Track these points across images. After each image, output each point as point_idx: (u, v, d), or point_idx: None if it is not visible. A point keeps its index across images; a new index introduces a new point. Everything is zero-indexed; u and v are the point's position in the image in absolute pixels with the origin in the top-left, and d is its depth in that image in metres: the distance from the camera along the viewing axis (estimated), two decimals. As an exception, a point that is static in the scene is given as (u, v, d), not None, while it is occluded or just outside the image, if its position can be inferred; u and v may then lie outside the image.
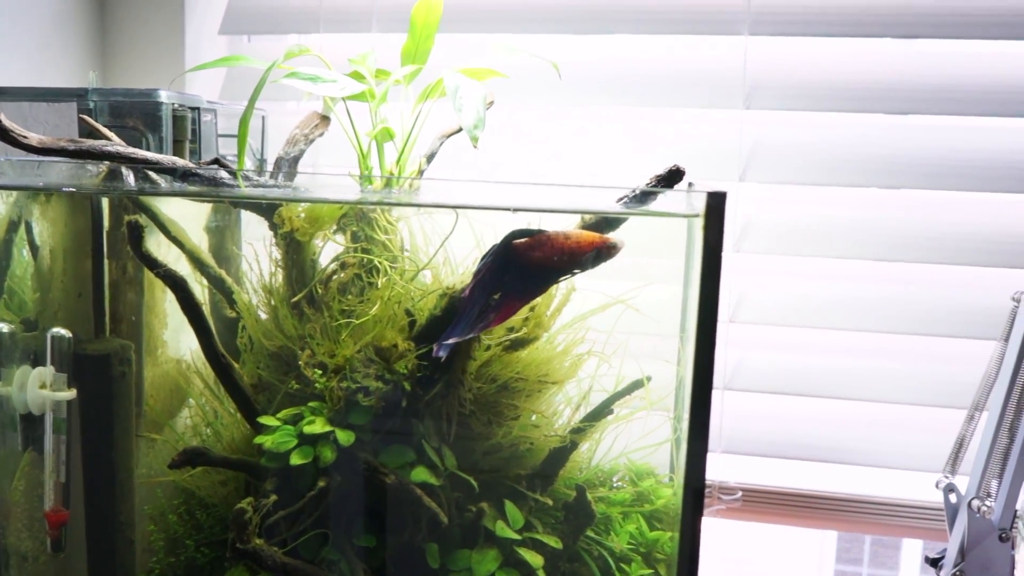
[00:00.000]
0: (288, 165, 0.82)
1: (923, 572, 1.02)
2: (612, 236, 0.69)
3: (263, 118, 0.98)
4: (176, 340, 0.82)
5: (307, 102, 1.12)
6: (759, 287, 1.13)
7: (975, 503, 0.90)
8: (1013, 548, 0.84)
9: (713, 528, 1.16)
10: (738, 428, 1.15)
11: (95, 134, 0.75)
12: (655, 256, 0.68)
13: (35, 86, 0.82)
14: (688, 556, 0.68)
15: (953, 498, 0.92)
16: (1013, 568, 0.86)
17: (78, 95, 0.79)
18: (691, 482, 0.67)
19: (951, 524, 0.92)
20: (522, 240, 0.68)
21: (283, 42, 1.27)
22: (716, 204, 0.59)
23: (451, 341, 0.69)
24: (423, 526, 0.71)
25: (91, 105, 0.79)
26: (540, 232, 0.69)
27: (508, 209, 0.70)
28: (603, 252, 0.68)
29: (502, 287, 0.69)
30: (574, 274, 0.70)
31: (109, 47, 1.21)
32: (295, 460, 0.68)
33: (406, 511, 0.70)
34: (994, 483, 0.90)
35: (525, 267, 0.68)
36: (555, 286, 0.74)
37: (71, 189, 0.66)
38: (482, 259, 0.70)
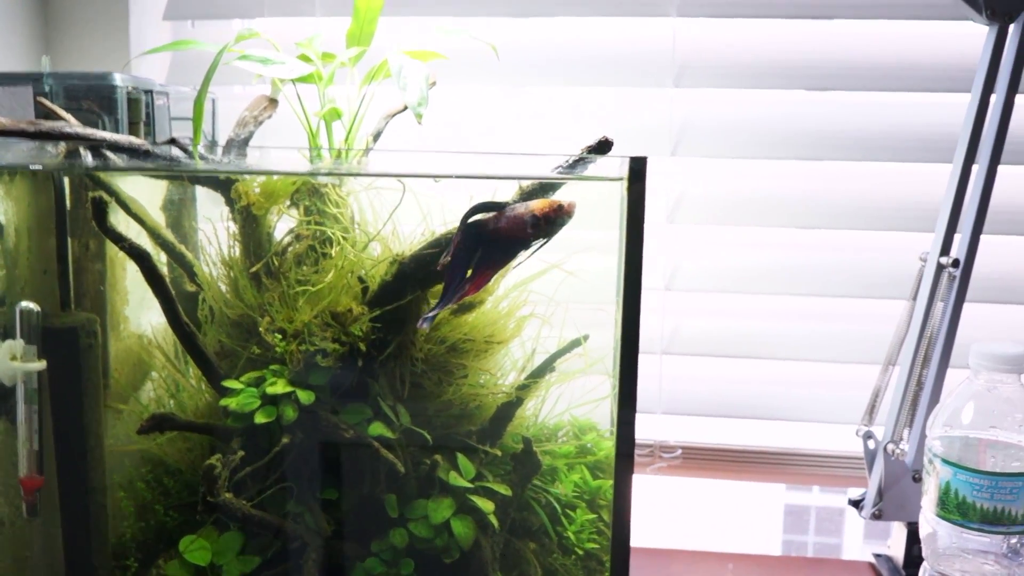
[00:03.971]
0: (239, 146, 0.84)
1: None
2: (561, 199, 0.70)
3: (213, 101, 0.99)
4: (137, 317, 0.84)
5: (254, 86, 1.12)
6: (692, 256, 1.16)
7: (890, 447, 0.94)
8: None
9: (654, 485, 1.22)
10: (677, 390, 1.18)
11: (52, 116, 0.76)
12: (589, 220, 0.71)
13: (-12, 72, 0.82)
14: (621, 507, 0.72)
15: (871, 444, 0.97)
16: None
17: (33, 79, 0.80)
18: (622, 448, 0.71)
19: (870, 468, 0.97)
20: (488, 214, 0.71)
21: (227, 27, 1.26)
22: (638, 167, 0.64)
23: (433, 313, 0.71)
24: (382, 478, 0.74)
25: (47, 88, 0.79)
26: (504, 204, 0.71)
27: (432, 177, 0.73)
28: (554, 216, 0.69)
29: (476, 259, 0.71)
30: (544, 241, 0.70)
31: (54, 33, 1.19)
32: (259, 419, 0.71)
33: (365, 464, 0.73)
34: (906, 430, 0.97)
35: (492, 238, 0.70)
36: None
37: (37, 167, 0.68)
38: (456, 234, 0.72)
